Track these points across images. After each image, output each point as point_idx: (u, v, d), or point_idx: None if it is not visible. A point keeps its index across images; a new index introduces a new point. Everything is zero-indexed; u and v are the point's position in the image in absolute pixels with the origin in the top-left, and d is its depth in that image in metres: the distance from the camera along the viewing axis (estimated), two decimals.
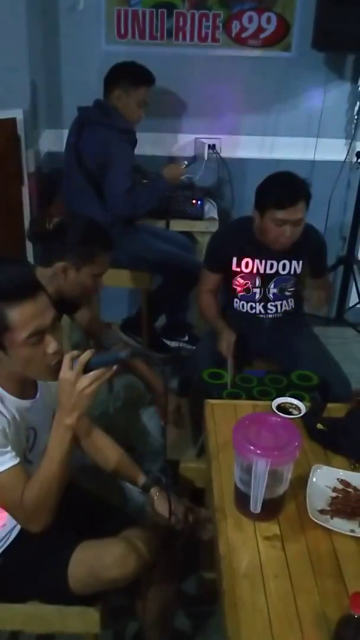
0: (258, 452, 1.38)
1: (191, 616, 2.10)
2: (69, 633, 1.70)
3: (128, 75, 2.93)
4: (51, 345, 1.46)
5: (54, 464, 1.45)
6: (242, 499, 1.48)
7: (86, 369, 1.40)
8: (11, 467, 1.45)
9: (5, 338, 1.42)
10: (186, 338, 3.38)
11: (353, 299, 3.71)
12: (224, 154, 3.48)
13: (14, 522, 1.60)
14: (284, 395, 2.00)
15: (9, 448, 1.46)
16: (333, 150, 3.50)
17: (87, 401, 1.42)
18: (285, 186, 2.33)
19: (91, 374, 1.40)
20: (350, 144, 3.49)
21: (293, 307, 2.56)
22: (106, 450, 1.82)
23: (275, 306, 2.55)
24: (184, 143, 3.52)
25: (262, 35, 3.36)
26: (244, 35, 3.36)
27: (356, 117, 3.45)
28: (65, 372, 1.40)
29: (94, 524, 1.71)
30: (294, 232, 2.33)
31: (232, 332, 2.42)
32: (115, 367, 1.43)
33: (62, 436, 1.45)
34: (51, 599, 1.63)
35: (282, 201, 2.28)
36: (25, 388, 1.58)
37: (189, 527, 1.75)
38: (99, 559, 1.58)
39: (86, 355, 1.40)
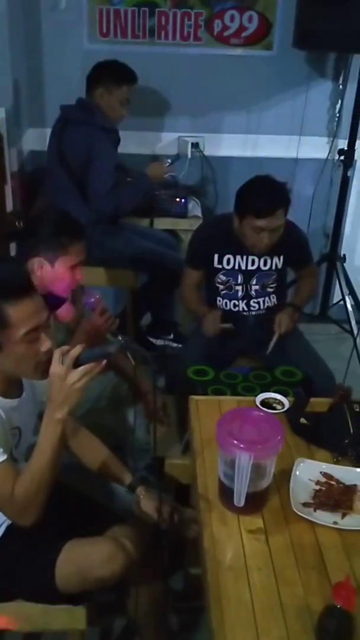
0: (241, 446, 1.40)
1: (178, 613, 2.11)
2: (55, 631, 1.70)
3: (110, 74, 2.93)
4: (45, 344, 1.49)
5: (45, 458, 1.47)
6: (226, 493, 1.49)
7: (76, 363, 1.42)
8: (1, 463, 1.46)
9: (3, 335, 1.44)
10: (172, 336, 3.38)
11: (336, 296, 3.74)
12: (207, 152, 3.49)
13: None
14: (268, 391, 2.02)
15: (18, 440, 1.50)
16: (315, 148, 3.52)
17: (77, 395, 1.44)
18: (264, 195, 2.32)
19: (81, 368, 1.42)
20: (333, 141, 3.51)
21: (275, 303, 2.58)
22: (92, 451, 1.82)
23: (258, 303, 2.56)
24: (167, 141, 3.53)
25: (243, 34, 3.38)
26: (226, 34, 3.37)
27: (338, 115, 3.48)
28: (56, 367, 1.42)
29: (80, 522, 1.71)
30: (273, 238, 2.35)
31: (217, 313, 2.46)
32: (104, 361, 1.45)
33: (53, 430, 1.46)
34: (38, 598, 1.63)
35: (261, 211, 2.28)
36: (11, 388, 1.59)
37: (175, 525, 1.76)
38: (86, 558, 1.59)
39: (76, 350, 1.42)
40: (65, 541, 1.62)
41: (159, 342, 3.38)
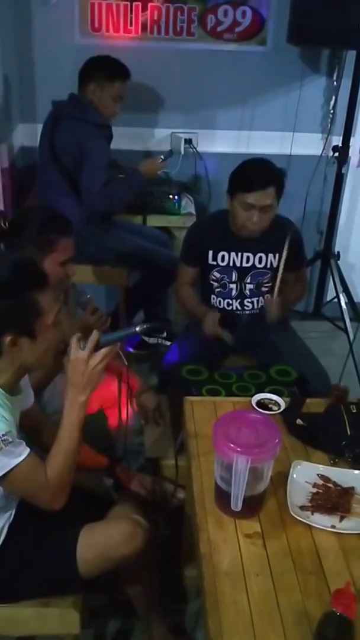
0: (238, 450, 1.38)
1: (172, 614, 2.09)
2: (49, 635, 1.68)
3: (103, 70, 2.89)
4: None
5: (72, 439, 1.55)
6: (222, 497, 1.47)
7: (95, 348, 1.53)
8: (29, 455, 1.50)
9: (37, 323, 1.50)
10: (164, 334, 3.36)
11: (330, 294, 3.72)
12: (200, 149, 3.46)
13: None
14: (263, 391, 2.00)
15: (20, 439, 1.51)
16: (309, 144, 3.50)
17: (99, 377, 1.55)
18: (255, 170, 2.34)
19: (101, 351, 1.53)
20: (327, 138, 3.49)
21: (267, 297, 2.55)
22: None
23: (252, 302, 2.54)
24: (160, 137, 3.49)
25: (237, 30, 3.35)
26: (219, 29, 3.34)
27: (332, 111, 3.45)
28: (77, 352, 1.53)
29: (79, 510, 1.70)
30: (262, 219, 2.33)
31: (215, 311, 2.44)
32: (119, 344, 1.58)
33: (78, 412, 1.55)
34: (58, 590, 1.64)
35: (251, 184, 2.28)
36: (14, 387, 1.60)
37: (158, 497, 1.86)
38: (108, 539, 1.64)
39: (95, 335, 1.54)
40: (78, 529, 1.64)
41: (152, 340, 3.36)
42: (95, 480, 1.95)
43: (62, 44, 3.27)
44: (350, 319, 3.40)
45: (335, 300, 3.52)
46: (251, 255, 2.47)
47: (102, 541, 1.63)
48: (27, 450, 1.49)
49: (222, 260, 2.48)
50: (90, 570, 1.63)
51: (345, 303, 3.44)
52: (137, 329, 1.57)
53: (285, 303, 2.53)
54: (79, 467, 1.80)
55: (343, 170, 3.39)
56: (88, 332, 2.02)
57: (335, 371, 2.67)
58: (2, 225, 1.97)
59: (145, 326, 1.60)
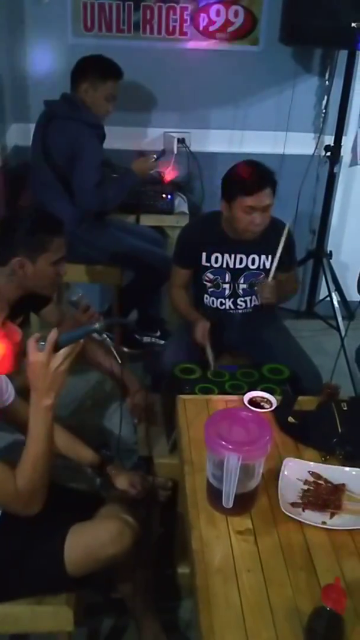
0: (229, 447, 1.39)
1: (166, 611, 2.10)
2: (42, 632, 1.69)
3: (95, 69, 2.90)
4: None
5: (40, 446, 1.49)
6: (214, 494, 1.48)
7: (56, 348, 1.42)
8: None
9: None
10: (158, 333, 3.37)
11: (323, 292, 3.74)
12: (193, 148, 3.47)
13: None
14: (255, 389, 2.01)
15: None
16: (302, 144, 3.52)
17: (63, 379, 1.45)
18: (250, 173, 2.34)
19: (62, 351, 1.43)
20: (319, 138, 3.51)
21: (264, 280, 2.55)
22: (55, 436, 1.80)
23: (245, 301, 2.55)
24: (152, 137, 3.50)
25: (230, 29, 3.36)
26: (211, 28, 3.35)
27: (324, 111, 3.47)
28: (35, 355, 1.42)
29: (68, 510, 1.71)
30: (264, 219, 2.34)
31: (206, 321, 2.43)
32: (82, 341, 1.47)
33: (44, 417, 1.48)
34: (48, 589, 1.64)
35: (250, 188, 2.28)
36: None
37: (147, 493, 1.85)
38: (95, 538, 1.62)
39: (54, 334, 1.43)
40: (66, 528, 1.64)
41: (146, 339, 3.36)
42: (85, 480, 1.95)
43: (54, 44, 3.28)
44: (343, 318, 3.42)
45: (328, 299, 3.54)
46: (244, 257, 2.48)
47: (90, 541, 1.63)
48: None
49: (216, 261, 2.49)
50: (78, 570, 1.62)
51: (338, 302, 3.46)
52: (97, 325, 1.48)
53: (279, 289, 2.52)
54: (69, 461, 1.83)
55: (335, 170, 3.41)
56: (92, 321, 2.04)
57: (327, 369, 2.68)
58: None
59: (105, 323, 1.51)
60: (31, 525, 1.57)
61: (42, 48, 3.27)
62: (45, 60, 3.28)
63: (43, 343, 1.42)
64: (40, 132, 2.95)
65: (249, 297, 2.54)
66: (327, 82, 3.43)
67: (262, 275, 2.50)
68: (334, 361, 2.90)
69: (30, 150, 3.07)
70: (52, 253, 1.99)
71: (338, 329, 3.38)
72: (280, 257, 2.49)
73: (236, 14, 3.33)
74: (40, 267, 1.97)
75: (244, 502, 1.48)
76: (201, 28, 3.35)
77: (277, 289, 2.45)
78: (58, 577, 1.61)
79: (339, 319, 3.39)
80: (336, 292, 3.49)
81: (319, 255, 3.56)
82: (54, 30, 3.26)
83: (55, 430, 1.76)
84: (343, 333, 3.25)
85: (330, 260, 3.53)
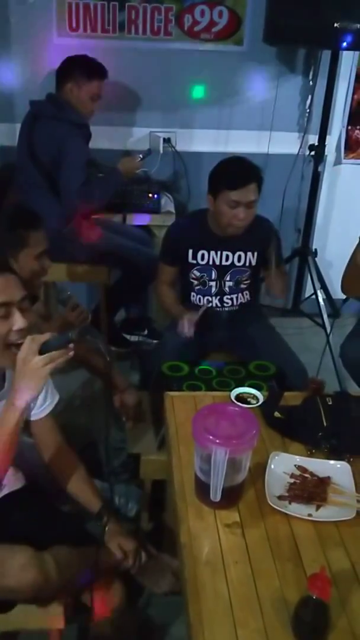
0: (217, 441, 1.40)
1: (156, 605, 2.11)
2: (33, 630, 1.70)
3: (80, 69, 2.91)
4: (18, 322, 1.46)
5: None
6: (202, 488, 1.50)
7: (42, 350, 1.40)
8: None
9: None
10: (146, 332, 3.38)
11: (308, 290, 3.77)
12: (179, 148, 3.49)
13: None
14: (242, 386, 2.03)
15: None
16: (286, 143, 3.54)
17: (39, 383, 1.42)
18: (237, 168, 2.38)
19: (46, 355, 1.40)
20: (303, 137, 3.54)
21: (249, 299, 2.59)
22: (70, 472, 1.78)
23: (232, 299, 2.57)
24: (138, 137, 3.51)
25: (214, 29, 3.37)
26: (196, 29, 3.37)
27: (308, 110, 3.50)
28: (22, 351, 1.41)
29: (37, 527, 1.65)
30: (248, 215, 2.36)
31: (193, 316, 2.45)
32: (71, 350, 1.43)
33: (10, 417, 1.44)
34: None
35: (235, 182, 2.31)
36: None
37: (135, 567, 1.72)
38: (0, 563, 1.50)
39: (45, 336, 1.42)
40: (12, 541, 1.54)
41: (133, 338, 3.38)
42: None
43: (39, 44, 3.28)
44: (328, 315, 3.45)
45: (313, 296, 3.56)
46: (230, 254, 2.50)
47: None
48: None
49: (202, 258, 2.51)
50: None
51: (323, 299, 3.49)
52: (70, 334, 1.44)
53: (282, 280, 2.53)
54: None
55: (320, 169, 3.43)
56: (68, 329, 2.05)
57: (313, 366, 2.72)
58: None
59: (79, 330, 1.49)
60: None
61: (27, 48, 3.27)
62: (31, 60, 3.28)
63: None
64: (26, 132, 2.96)
65: (235, 295, 2.56)
66: (310, 81, 3.46)
67: (247, 273, 2.53)
68: (319, 358, 2.94)
69: (16, 151, 3.07)
70: (32, 248, 2.00)
71: (324, 326, 3.41)
72: (265, 252, 2.52)
73: (220, 15, 3.35)
74: (23, 263, 1.98)
75: (231, 496, 1.50)
76: (186, 28, 3.36)
77: (283, 277, 2.49)
78: None
79: (325, 316, 3.42)
80: (321, 290, 3.52)
81: (305, 254, 3.59)
82: (39, 30, 3.26)
83: (77, 472, 1.76)
84: (329, 330, 3.28)
85: (316, 259, 3.56)
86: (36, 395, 1.45)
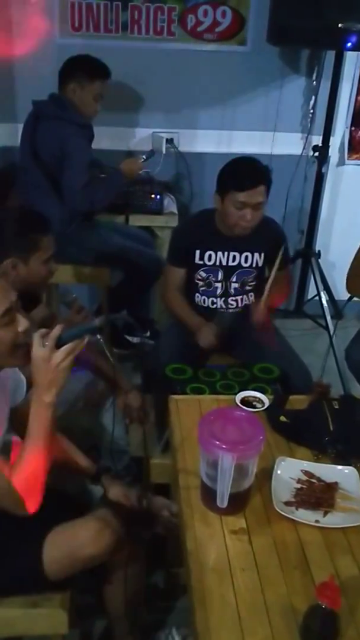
0: (223, 447, 1.39)
1: (159, 611, 2.10)
2: (36, 635, 1.68)
3: (83, 69, 2.89)
4: (22, 324, 1.48)
5: (39, 443, 1.47)
6: (208, 494, 1.48)
7: (58, 344, 1.42)
8: None
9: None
10: (148, 333, 3.36)
11: (311, 292, 3.76)
12: (181, 148, 3.47)
13: None
14: (246, 388, 2.01)
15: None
16: (290, 144, 3.53)
17: (63, 376, 1.44)
18: (246, 169, 2.36)
19: (64, 347, 1.42)
20: (307, 138, 3.52)
21: (253, 300, 2.58)
22: (55, 443, 1.79)
23: (236, 301, 2.56)
24: (141, 137, 3.50)
25: (217, 30, 3.36)
26: (199, 29, 3.35)
27: (312, 111, 3.49)
28: (38, 350, 1.41)
29: (57, 513, 1.67)
30: (255, 216, 2.35)
31: (213, 326, 2.43)
32: (86, 339, 1.45)
33: (44, 414, 1.46)
34: (23, 589, 1.61)
35: (243, 183, 2.30)
36: None
37: (145, 510, 1.76)
38: (74, 538, 1.59)
39: (57, 330, 1.42)
40: (47, 530, 1.61)
41: (135, 339, 3.36)
42: (77, 486, 1.92)
43: (41, 44, 3.27)
44: (331, 317, 3.44)
45: (317, 298, 3.55)
46: (237, 254, 2.49)
47: (68, 540, 1.59)
48: None
49: (209, 259, 2.50)
50: (56, 571, 1.58)
51: (327, 301, 3.48)
52: (97, 322, 1.48)
53: (270, 303, 2.51)
54: (65, 469, 1.79)
55: (323, 170, 3.42)
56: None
57: (316, 368, 2.71)
58: None
59: (105, 318, 1.51)
60: (13, 523, 1.54)
61: (29, 48, 3.26)
62: (33, 60, 3.26)
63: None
64: (29, 133, 2.94)
65: (240, 297, 2.55)
66: (314, 82, 3.45)
67: (253, 274, 2.51)
68: (322, 360, 2.93)
69: (18, 151, 3.05)
70: (43, 252, 2.00)
71: (327, 328, 3.39)
72: (271, 254, 2.51)
73: (223, 15, 3.34)
74: (33, 266, 1.98)
75: (238, 502, 1.48)
76: (189, 28, 3.35)
77: (267, 311, 2.45)
78: (35, 578, 1.58)
79: (328, 318, 3.40)
80: (324, 292, 3.50)
81: (308, 255, 3.58)
82: (41, 29, 3.25)
83: (57, 440, 1.72)
84: (332, 332, 3.27)
85: (319, 260, 3.55)
86: (61, 389, 1.46)
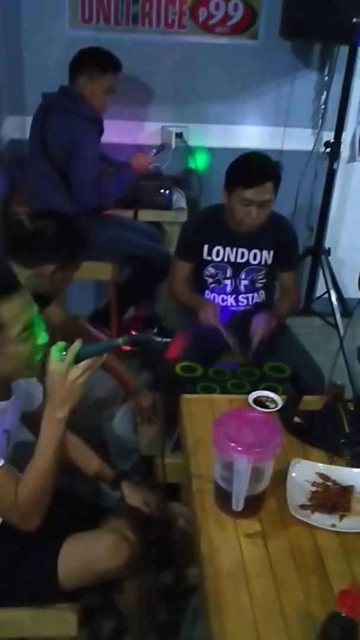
0: (239, 449, 1.36)
1: (168, 611, 2.08)
2: (45, 637, 1.66)
3: (94, 62, 2.85)
4: (41, 337, 1.45)
5: (47, 459, 1.44)
6: (222, 497, 1.46)
7: (76, 359, 1.38)
8: (0, 469, 1.43)
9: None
10: (155, 330, 3.33)
11: (320, 290, 3.72)
12: (191, 143, 3.43)
13: None
14: (257, 388, 1.99)
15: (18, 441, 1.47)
16: (301, 140, 3.49)
17: (79, 392, 1.41)
18: (254, 165, 2.32)
19: (82, 364, 1.38)
20: (318, 134, 3.48)
21: (264, 299, 2.55)
22: (73, 447, 1.78)
23: (247, 298, 2.53)
24: (150, 131, 3.45)
25: (229, 23, 3.32)
26: (210, 22, 3.31)
27: (323, 106, 3.44)
28: (55, 364, 1.38)
29: (72, 519, 1.67)
30: (261, 214, 2.31)
31: (215, 305, 2.40)
32: (104, 356, 1.42)
33: (55, 430, 1.43)
34: (38, 599, 1.59)
35: (250, 180, 2.26)
36: (1, 390, 1.53)
37: (163, 517, 1.76)
38: (90, 551, 1.56)
39: (76, 345, 1.39)
40: (63, 538, 1.59)
41: (143, 337, 3.32)
42: (91, 489, 1.91)
43: (51, 36, 3.22)
44: (341, 315, 3.41)
45: (325, 296, 3.52)
46: (246, 252, 2.46)
47: (85, 552, 1.56)
48: None
49: (217, 255, 2.47)
50: (71, 582, 1.56)
51: (336, 299, 3.44)
52: (120, 341, 1.45)
53: (278, 315, 2.50)
54: (83, 474, 1.77)
55: (335, 166, 3.38)
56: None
57: (324, 366, 2.66)
58: (27, 224, 1.97)
59: (128, 337, 1.48)
60: (33, 532, 1.51)
61: (39, 40, 3.21)
62: (42, 52, 3.22)
63: (65, 353, 1.38)
64: (38, 126, 2.90)
65: (251, 294, 2.52)
66: (326, 77, 3.40)
67: (263, 272, 2.48)
68: (331, 359, 2.89)
69: (27, 144, 3.02)
70: (78, 263, 2.04)
71: (336, 326, 3.36)
72: (281, 253, 2.47)
73: (235, 8, 3.29)
74: (67, 275, 2.02)
75: (253, 505, 1.46)
76: (200, 21, 3.30)
77: (270, 324, 2.41)
78: (49, 588, 1.56)
79: (338, 316, 3.37)
80: (334, 290, 3.47)
81: (318, 252, 3.54)
82: (51, 21, 3.20)
83: (71, 440, 1.75)
84: (341, 330, 3.24)
85: (329, 258, 3.51)
86: (75, 406, 1.43)
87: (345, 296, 3.57)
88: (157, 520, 1.73)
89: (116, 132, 3.25)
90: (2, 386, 1.53)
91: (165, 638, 1.93)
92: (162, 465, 1.78)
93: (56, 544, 1.57)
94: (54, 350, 1.39)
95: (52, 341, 1.99)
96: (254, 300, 2.53)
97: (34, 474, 1.44)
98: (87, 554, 1.56)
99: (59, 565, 1.55)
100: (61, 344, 1.40)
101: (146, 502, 1.74)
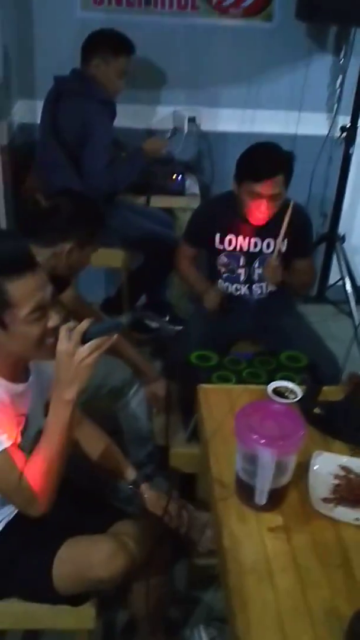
0: (263, 442, 1.33)
1: (182, 603, 2.06)
2: (62, 630, 1.64)
3: (107, 44, 2.80)
4: (53, 319, 1.40)
5: (54, 442, 1.40)
6: (245, 490, 1.42)
7: (84, 339, 1.34)
8: (5, 450, 1.38)
9: (7, 315, 1.36)
10: (167, 318, 3.30)
11: (333, 277, 3.68)
12: (203, 127, 3.37)
13: None
14: (273, 377, 1.96)
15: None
16: (315, 124, 3.42)
17: (87, 373, 1.35)
18: (264, 158, 2.26)
19: (90, 343, 1.33)
20: (334, 118, 3.41)
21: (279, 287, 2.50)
22: (95, 441, 1.75)
23: (261, 287, 2.49)
24: (162, 115, 3.40)
25: (243, 5, 3.25)
26: (224, 4, 3.24)
27: (339, 90, 3.37)
28: (62, 344, 1.33)
29: (81, 517, 1.64)
30: (270, 207, 2.26)
31: (219, 290, 2.38)
32: (115, 335, 1.37)
33: (62, 412, 1.39)
34: (35, 598, 1.56)
35: (259, 174, 2.20)
36: (17, 372, 1.50)
37: (183, 525, 1.71)
38: (85, 557, 1.51)
39: (84, 324, 1.34)
40: (65, 538, 1.54)
41: (154, 324, 3.29)
42: (106, 486, 1.88)
43: (62, 18, 3.17)
44: (355, 302, 3.36)
45: (339, 283, 3.47)
46: (259, 241, 2.41)
47: (79, 558, 1.51)
48: (5, 445, 1.37)
49: (229, 244, 2.43)
50: (65, 586, 1.51)
51: (350, 286, 3.40)
52: (124, 318, 1.44)
53: (288, 281, 2.45)
54: (104, 472, 1.74)
55: (350, 151, 3.32)
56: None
57: (339, 355, 2.63)
58: (42, 202, 1.94)
59: (131, 316, 1.49)
60: (35, 529, 1.48)
61: (50, 22, 3.16)
62: (53, 35, 3.16)
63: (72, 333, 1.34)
64: (50, 109, 2.85)
65: (264, 283, 2.48)
66: (342, 60, 3.33)
67: (270, 251, 2.43)
68: (344, 347, 2.85)
69: (38, 128, 2.97)
70: (96, 243, 2.03)
71: (351, 314, 3.32)
72: (295, 241, 2.42)
73: None
74: (83, 255, 2.00)
75: (275, 498, 1.42)
76: (213, 3, 3.23)
77: (281, 270, 2.38)
78: (44, 590, 1.52)
79: (352, 304, 3.33)
80: (348, 277, 3.42)
81: (332, 239, 3.49)
82: (62, 3, 3.15)
83: (96, 436, 1.74)
84: (356, 318, 3.20)
85: (343, 245, 3.46)
86: (85, 386, 1.38)
87: (358, 283, 3.52)
88: (174, 530, 1.69)
89: (128, 116, 3.19)
90: (19, 367, 1.50)
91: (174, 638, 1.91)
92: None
93: (56, 544, 1.53)
94: (63, 330, 1.35)
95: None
96: (268, 289, 2.49)
97: (41, 457, 1.40)
98: (81, 559, 1.51)
99: (54, 569, 1.50)
100: (71, 324, 1.36)
101: (166, 510, 1.67)
